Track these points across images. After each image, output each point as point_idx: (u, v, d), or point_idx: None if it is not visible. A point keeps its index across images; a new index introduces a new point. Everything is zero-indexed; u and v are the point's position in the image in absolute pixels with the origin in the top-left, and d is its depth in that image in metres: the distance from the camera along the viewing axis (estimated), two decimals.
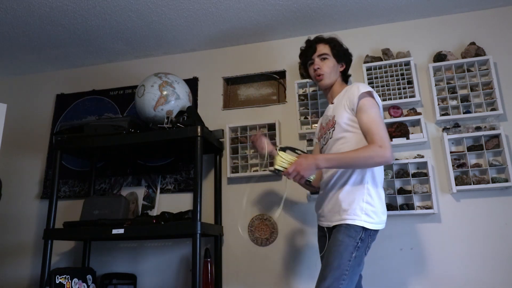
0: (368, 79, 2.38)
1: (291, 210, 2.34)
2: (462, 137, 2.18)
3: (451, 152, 2.18)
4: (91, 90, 2.93)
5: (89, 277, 2.32)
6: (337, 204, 1.59)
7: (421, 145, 2.27)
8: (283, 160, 1.60)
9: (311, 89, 2.48)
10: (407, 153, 2.27)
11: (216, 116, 2.64)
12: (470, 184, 2.09)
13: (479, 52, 2.29)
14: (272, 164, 1.74)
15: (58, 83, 3.04)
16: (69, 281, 2.16)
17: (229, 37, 2.66)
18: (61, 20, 2.43)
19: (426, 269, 2.11)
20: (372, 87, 2.34)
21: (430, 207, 2.13)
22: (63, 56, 2.87)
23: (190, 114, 2.25)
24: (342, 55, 1.84)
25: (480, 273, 2.05)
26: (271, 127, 2.48)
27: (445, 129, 2.24)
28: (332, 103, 1.79)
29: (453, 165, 2.15)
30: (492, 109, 2.19)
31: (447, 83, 2.30)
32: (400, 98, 2.30)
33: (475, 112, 2.20)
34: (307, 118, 2.43)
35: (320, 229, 1.79)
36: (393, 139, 2.20)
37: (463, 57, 2.31)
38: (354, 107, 1.64)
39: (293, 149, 1.76)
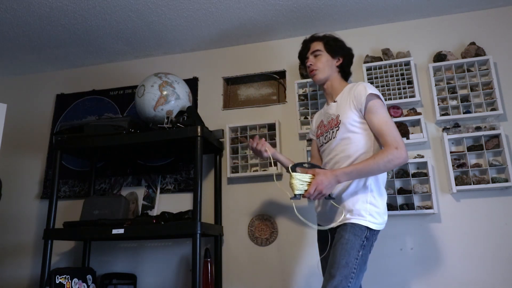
0: (368, 79, 2.38)
1: (291, 210, 2.34)
2: (462, 137, 2.18)
3: (451, 152, 2.18)
4: (91, 90, 2.93)
5: (89, 277, 2.32)
6: (341, 204, 1.59)
7: (421, 145, 2.27)
8: (299, 182, 1.51)
9: (311, 89, 2.48)
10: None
11: (216, 116, 2.64)
12: (470, 184, 2.09)
13: (479, 52, 2.29)
14: (272, 164, 1.72)
15: (58, 83, 3.03)
16: (69, 281, 2.16)
17: (229, 37, 2.66)
18: (61, 20, 2.43)
19: (426, 269, 2.11)
20: None
21: (430, 207, 2.13)
22: (63, 56, 2.87)
23: (190, 114, 2.25)
24: (337, 49, 1.81)
25: (480, 273, 2.05)
26: (271, 127, 2.48)
27: (445, 129, 2.24)
28: (334, 101, 1.77)
29: (453, 165, 2.15)
30: (492, 109, 2.19)
31: (447, 83, 2.30)
32: (400, 98, 2.30)
33: (475, 112, 2.20)
34: (307, 118, 2.43)
35: (321, 230, 1.78)
36: None
37: (463, 57, 2.31)
38: (362, 107, 1.62)
39: (300, 165, 1.61)
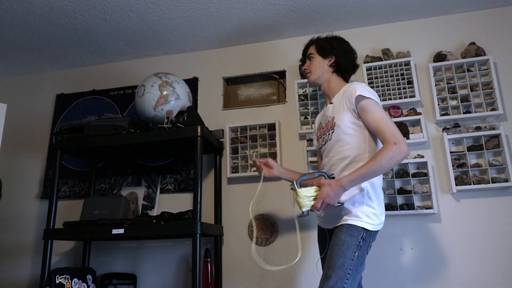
0: (368, 79, 2.38)
1: (291, 210, 2.34)
2: (462, 137, 2.18)
3: (451, 152, 2.18)
4: (91, 90, 2.93)
5: (89, 277, 2.32)
6: (338, 208, 1.59)
7: (421, 145, 2.27)
8: (305, 199, 1.49)
9: (311, 89, 2.48)
10: None
11: (216, 116, 2.64)
12: (470, 184, 2.09)
13: (479, 52, 2.29)
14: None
15: (58, 83, 3.04)
16: (69, 281, 2.16)
17: (229, 37, 2.66)
18: (61, 20, 2.43)
19: (426, 269, 2.11)
20: (372, 87, 2.34)
21: (430, 207, 2.13)
22: (63, 56, 2.87)
23: (190, 114, 2.25)
24: (327, 49, 1.81)
25: (480, 273, 2.05)
26: (271, 127, 2.48)
27: (445, 129, 2.25)
28: (331, 103, 1.77)
29: (453, 165, 2.15)
30: (492, 109, 2.19)
31: (447, 83, 2.30)
32: (400, 98, 2.30)
33: (475, 112, 2.20)
34: (307, 118, 2.43)
35: (320, 229, 1.78)
36: None
37: (463, 57, 2.31)
38: (354, 107, 1.62)
39: (305, 178, 1.58)
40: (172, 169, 2.60)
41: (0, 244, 2.73)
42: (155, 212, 2.51)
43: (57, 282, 2.09)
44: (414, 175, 2.19)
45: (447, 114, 2.24)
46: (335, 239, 1.53)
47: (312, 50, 1.85)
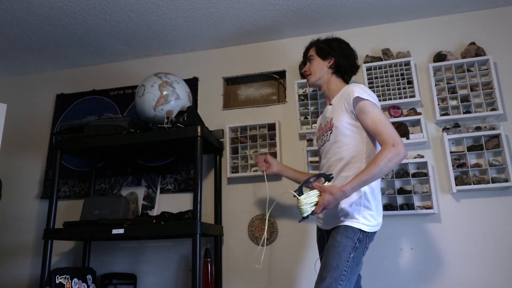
0: (368, 79, 2.38)
1: (291, 210, 2.34)
2: (462, 137, 2.18)
3: (451, 152, 2.18)
4: (91, 90, 2.93)
5: (89, 277, 2.32)
6: (335, 207, 1.59)
7: (421, 145, 2.27)
8: (306, 204, 1.50)
9: (311, 89, 2.48)
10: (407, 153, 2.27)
11: (216, 116, 2.64)
12: (470, 184, 2.09)
13: (479, 52, 2.29)
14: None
15: (58, 83, 3.04)
16: (69, 281, 2.16)
17: (229, 37, 2.66)
18: (61, 20, 2.43)
19: (426, 269, 2.11)
20: (372, 87, 2.35)
21: (430, 207, 2.13)
22: (63, 56, 2.87)
23: (190, 114, 2.25)
24: (327, 51, 1.82)
25: (480, 273, 2.05)
26: (271, 127, 2.48)
27: (445, 129, 2.25)
28: (330, 104, 1.78)
29: (453, 165, 2.15)
30: (492, 109, 2.19)
31: (447, 83, 2.30)
32: (400, 98, 2.30)
33: (475, 112, 2.20)
34: (307, 118, 2.43)
35: (319, 229, 1.79)
36: None
37: (463, 57, 2.31)
38: (352, 109, 1.63)
39: (305, 182, 1.58)
40: (172, 169, 2.60)
41: (0, 244, 2.73)
42: (155, 212, 2.51)
43: (57, 282, 2.09)
44: (414, 175, 2.19)
45: (447, 114, 2.24)
46: (332, 240, 1.54)
47: (312, 52, 1.87)
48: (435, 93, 2.26)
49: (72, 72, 3.05)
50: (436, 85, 2.28)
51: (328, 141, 1.71)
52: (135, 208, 2.54)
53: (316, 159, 2.34)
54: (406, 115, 2.31)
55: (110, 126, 2.29)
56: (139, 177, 2.65)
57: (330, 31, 2.56)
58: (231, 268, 2.36)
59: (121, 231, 2.06)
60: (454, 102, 2.26)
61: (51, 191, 2.27)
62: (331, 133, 1.69)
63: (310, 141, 2.39)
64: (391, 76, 2.36)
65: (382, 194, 2.16)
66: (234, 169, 2.46)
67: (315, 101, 2.44)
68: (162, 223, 2.10)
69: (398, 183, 2.22)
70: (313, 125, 2.41)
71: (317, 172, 1.97)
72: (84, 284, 2.25)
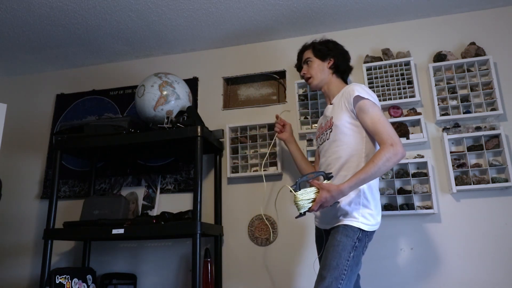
0: (368, 79, 2.38)
1: (291, 210, 2.34)
2: (462, 137, 2.18)
3: (451, 152, 2.18)
4: (91, 90, 2.93)
5: (89, 277, 2.32)
6: (334, 207, 1.59)
7: (421, 145, 2.27)
8: (303, 200, 1.50)
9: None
10: (407, 153, 2.26)
11: (216, 116, 2.64)
12: (470, 184, 2.09)
13: (479, 52, 2.29)
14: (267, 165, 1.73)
15: (58, 83, 3.03)
16: (69, 281, 2.16)
17: (229, 37, 2.66)
18: (61, 20, 2.43)
19: (426, 269, 2.11)
20: (372, 87, 2.35)
21: (430, 207, 2.13)
22: (63, 56, 2.87)
23: (190, 114, 2.25)
24: (326, 52, 1.83)
25: (480, 273, 2.05)
26: (271, 127, 2.48)
27: (445, 129, 2.24)
28: (331, 104, 1.79)
29: (453, 165, 2.15)
30: (492, 109, 2.19)
31: (447, 83, 2.30)
32: (400, 98, 2.30)
33: (475, 112, 2.20)
34: (307, 118, 2.43)
35: (317, 230, 1.79)
36: None
37: (463, 57, 2.31)
38: (352, 108, 1.63)
39: (303, 178, 1.58)
40: (172, 169, 2.60)
41: (0, 244, 2.73)
42: (155, 212, 2.51)
43: (57, 282, 2.09)
44: (414, 175, 2.19)
45: (447, 114, 2.24)
46: (331, 239, 1.54)
47: (309, 54, 1.87)
48: (435, 93, 2.26)
49: (72, 72, 3.05)
50: (436, 85, 2.28)
51: (327, 139, 1.71)
52: (135, 208, 2.54)
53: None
54: (406, 115, 2.31)
55: (110, 126, 2.29)
56: (139, 177, 2.65)
57: (330, 31, 2.56)
58: (231, 268, 2.36)
59: (121, 231, 2.06)
60: (454, 102, 2.26)
61: (51, 191, 2.26)
62: (331, 131, 1.69)
63: (310, 141, 2.39)
64: (391, 76, 2.36)
65: (382, 194, 2.16)
66: (234, 169, 2.46)
67: (315, 101, 2.44)
68: (162, 223, 2.10)
69: (398, 183, 2.22)
70: (313, 125, 2.41)
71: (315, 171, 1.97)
72: (84, 284, 2.25)
